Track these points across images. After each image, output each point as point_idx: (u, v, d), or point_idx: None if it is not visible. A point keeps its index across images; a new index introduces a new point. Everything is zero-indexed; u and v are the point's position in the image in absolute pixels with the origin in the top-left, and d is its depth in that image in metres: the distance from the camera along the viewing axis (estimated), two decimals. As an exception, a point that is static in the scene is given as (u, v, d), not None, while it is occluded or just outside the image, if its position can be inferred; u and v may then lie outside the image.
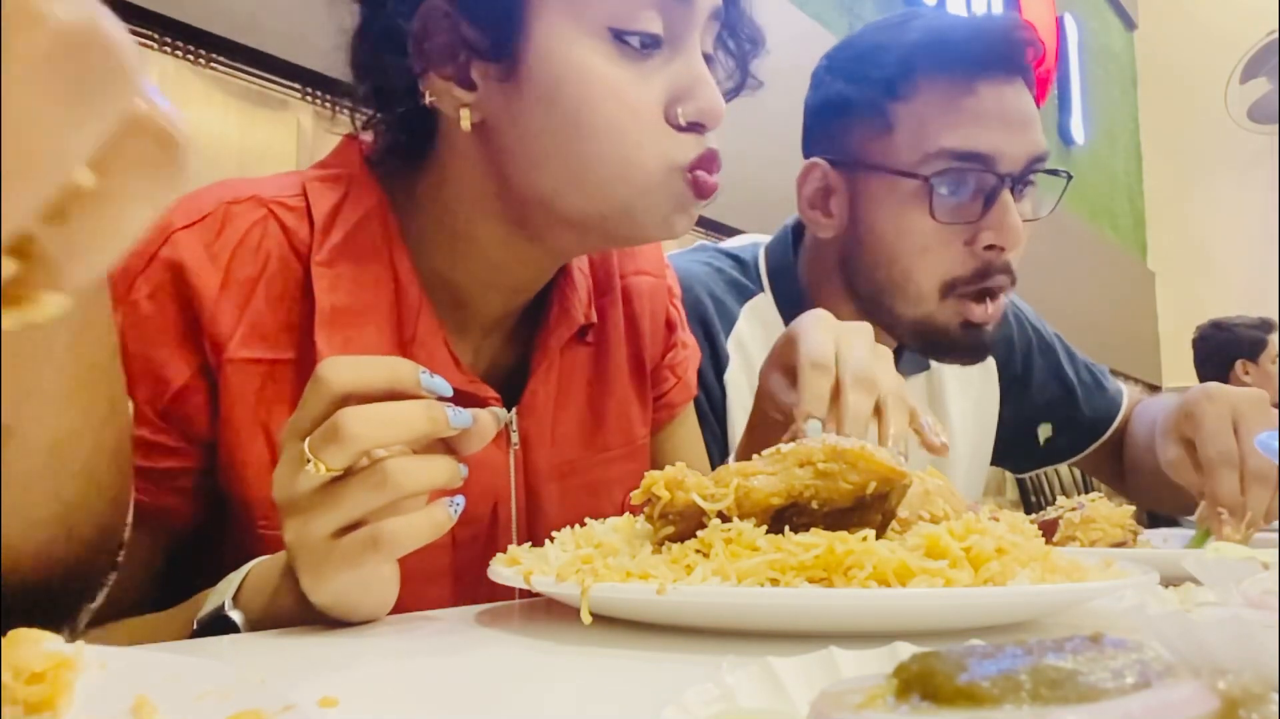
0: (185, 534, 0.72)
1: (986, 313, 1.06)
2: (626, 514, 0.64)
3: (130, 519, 0.57)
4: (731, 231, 2.03)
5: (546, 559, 0.58)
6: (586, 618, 0.53)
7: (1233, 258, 5.14)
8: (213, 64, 1.01)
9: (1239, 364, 3.86)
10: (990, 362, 1.31)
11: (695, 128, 0.72)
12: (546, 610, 0.63)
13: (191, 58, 0.90)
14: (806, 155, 1.16)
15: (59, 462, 0.47)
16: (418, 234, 0.76)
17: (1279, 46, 4.94)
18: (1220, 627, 0.32)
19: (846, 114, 1.10)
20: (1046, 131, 1.09)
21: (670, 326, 0.94)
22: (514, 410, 0.79)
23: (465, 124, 0.71)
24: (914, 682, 0.23)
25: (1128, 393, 1.43)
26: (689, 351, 0.97)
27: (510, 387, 0.79)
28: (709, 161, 0.72)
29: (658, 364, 0.92)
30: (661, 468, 0.94)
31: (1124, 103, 5.39)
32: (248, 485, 0.68)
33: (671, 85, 0.71)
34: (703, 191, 0.72)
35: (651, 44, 0.70)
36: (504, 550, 0.62)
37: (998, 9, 4.05)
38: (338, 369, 0.54)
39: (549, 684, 0.44)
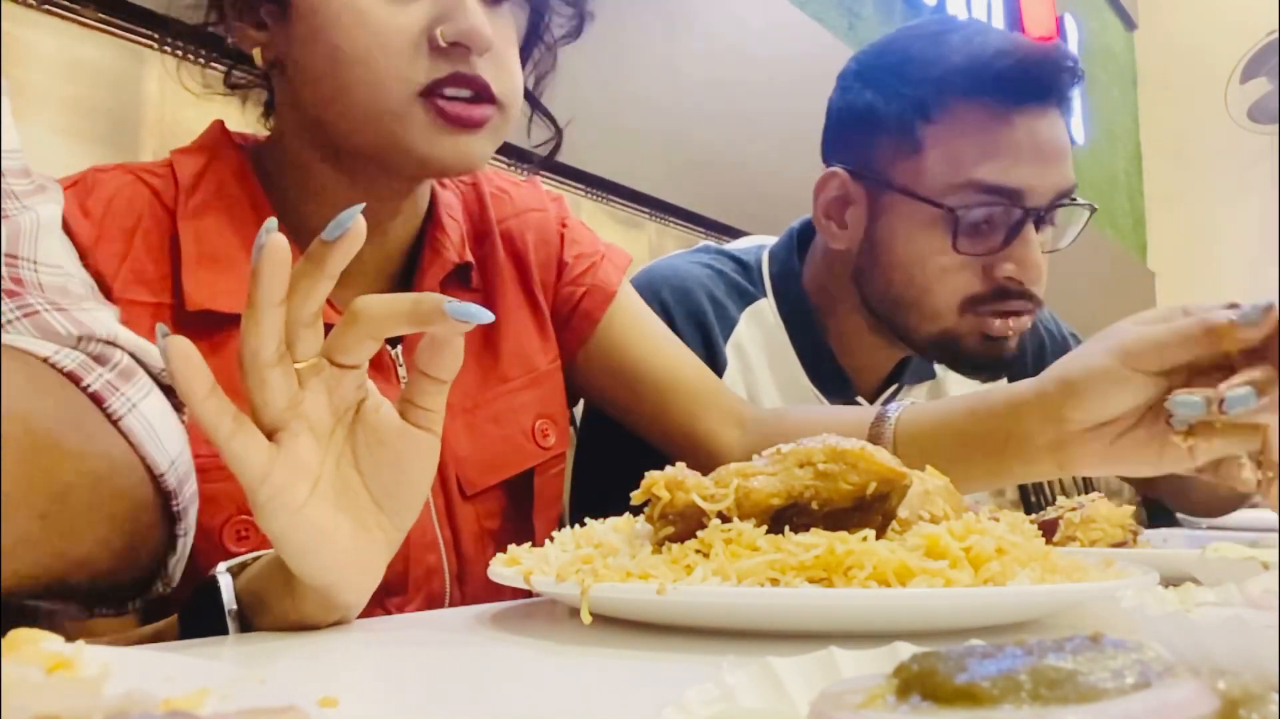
0: None
1: (1007, 326, 1.04)
2: (626, 514, 0.64)
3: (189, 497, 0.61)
4: (730, 230, 2.03)
5: (546, 559, 0.58)
6: (586, 618, 0.53)
7: (1232, 258, 5.13)
8: (213, 64, 1.01)
9: None
10: None
11: (457, 49, 0.74)
12: (546, 610, 0.63)
13: (191, 57, 0.90)
14: (826, 160, 1.13)
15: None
16: (280, 191, 0.82)
17: (1279, 46, 4.94)
18: (1220, 627, 0.32)
19: (873, 127, 1.06)
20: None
21: (563, 244, 0.96)
22: (398, 349, 0.83)
23: (258, 60, 0.79)
24: (914, 682, 0.23)
25: None
26: (594, 259, 0.97)
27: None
28: (457, 81, 0.74)
29: (554, 288, 0.95)
30: (609, 373, 0.95)
31: (1124, 103, 5.38)
32: None
33: (432, 10, 0.74)
34: (448, 118, 0.74)
35: None
36: None
37: (998, 10, 4.05)
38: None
39: (549, 684, 0.44)
